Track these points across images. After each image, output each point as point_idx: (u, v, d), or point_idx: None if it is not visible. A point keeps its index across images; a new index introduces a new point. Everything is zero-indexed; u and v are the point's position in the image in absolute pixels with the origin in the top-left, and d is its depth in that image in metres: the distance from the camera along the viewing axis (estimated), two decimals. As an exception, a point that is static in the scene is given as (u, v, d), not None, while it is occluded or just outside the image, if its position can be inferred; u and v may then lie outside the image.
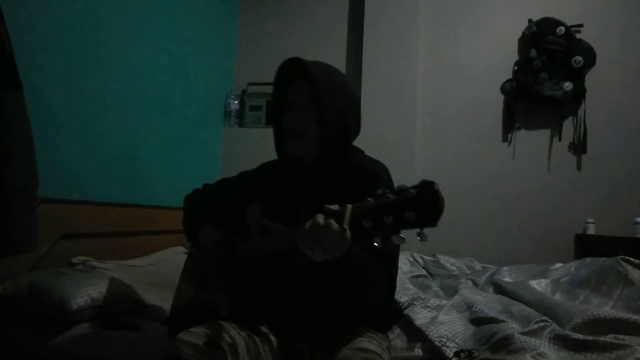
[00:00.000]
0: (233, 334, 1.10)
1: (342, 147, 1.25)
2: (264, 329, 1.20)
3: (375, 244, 0.84)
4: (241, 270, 1.25)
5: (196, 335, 1.05)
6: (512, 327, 1.40)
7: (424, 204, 0.75)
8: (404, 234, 0.82)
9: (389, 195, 0.80)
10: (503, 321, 1.43)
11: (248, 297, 1.22)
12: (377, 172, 1.23)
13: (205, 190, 1.48)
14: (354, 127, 1.28)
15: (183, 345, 1.01)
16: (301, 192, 1.24)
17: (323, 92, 1.18)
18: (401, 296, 1.64)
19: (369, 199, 0.83)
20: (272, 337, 1.20)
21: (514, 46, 3.15)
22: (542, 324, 1.41)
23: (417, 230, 0.78)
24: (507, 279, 2.05)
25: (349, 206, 0.86)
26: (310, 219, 0.90)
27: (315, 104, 1.19)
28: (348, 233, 0.87)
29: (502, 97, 3.14)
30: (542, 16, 3.02)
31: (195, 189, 1.49)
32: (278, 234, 1.09)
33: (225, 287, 1.27)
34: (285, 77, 1.28)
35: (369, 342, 1.14)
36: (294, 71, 1.25)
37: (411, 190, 0.77)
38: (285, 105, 1.27)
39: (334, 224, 0.86)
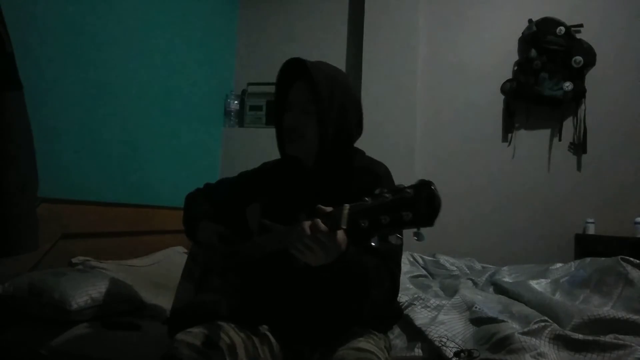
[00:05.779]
0: (232, 334, 1.10)
1: (343, 148, 1.24)
2: (263, 329, 1.20)
3: (373, 243, 0.83)
4: (241, 270, 1.25)
5: (194, 335, 1.05)
6: (512, 327, 1.39)
7: (420, 204, 0.74)
8: (401, 233, 0.82)
9: (386, 195, 0.78)
10: (503, 321, 1.43)
11: (247, 297, 1.22)
12: (378, 173, 1.22)
13: (206, 189, 1.49)
14: (355, 128, 1.26)
15: (181, 345, 1.02)
16: (302, 192, 1.23)
17: (323, 93, 1.16)
18: (401, 296, 1.64)
19: (366, 199, 0.82)
20: (272, 338, 1.19)
21: (514, 46, 3.15)
22: (542, 324, 1.41)
23: (414, 230, 0.77)
24: (507, 279, 2.05)
25: (346, 206, 0.84)
26: (308, 220, 0.89)
27: (315, 105, 1.18)
28: (340, 235, 0.87)
29: (502, 97, 3.14)
30: (542, 16, 3.01)
31: (197, 188, 1.50)
32: (274, 236, 1.08)
33: (225, 287, 1.28)
34: (287, 77, 1.26)
35: (365, 341, 1.14)
36: (295, 71, 1.24)
37: (408, 190, 0.76)
38: (286, 105, 1.25)
39: (320, 227, 0.86)
